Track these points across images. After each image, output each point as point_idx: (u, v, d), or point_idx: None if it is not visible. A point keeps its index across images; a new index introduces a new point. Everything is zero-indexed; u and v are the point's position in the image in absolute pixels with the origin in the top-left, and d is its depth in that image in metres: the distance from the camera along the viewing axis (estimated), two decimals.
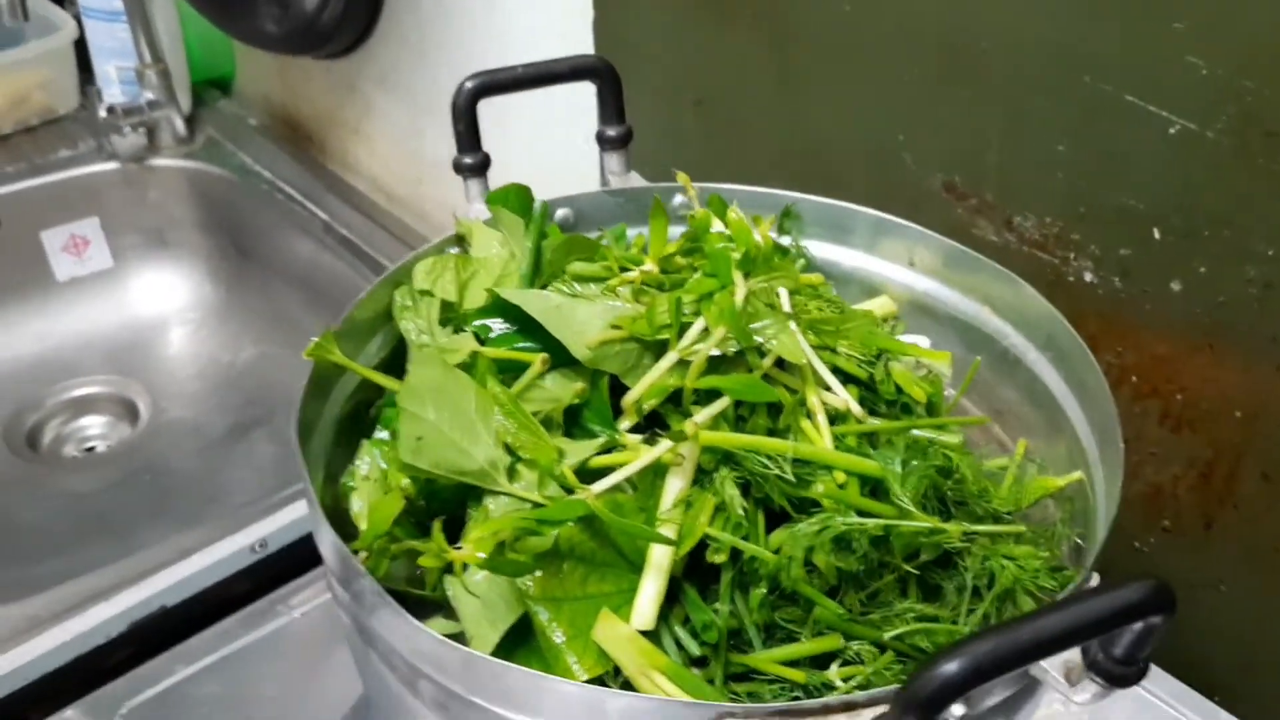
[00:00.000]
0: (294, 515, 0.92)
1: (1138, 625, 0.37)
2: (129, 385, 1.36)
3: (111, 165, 1.39)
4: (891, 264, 0.67)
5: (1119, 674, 0.39)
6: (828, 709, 0.40)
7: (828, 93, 0.81)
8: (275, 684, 0.67)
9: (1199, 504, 0.73)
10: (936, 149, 0.76)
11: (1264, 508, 0.69)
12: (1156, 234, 0.68)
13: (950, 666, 0.34)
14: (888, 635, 0.48)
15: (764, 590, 0.47)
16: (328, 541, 0.47)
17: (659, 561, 0.47)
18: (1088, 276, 0.72)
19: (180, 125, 1.40)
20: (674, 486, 0.48)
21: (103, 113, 1.34)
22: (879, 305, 0.64)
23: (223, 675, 0.67)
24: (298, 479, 0.98)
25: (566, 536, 0.47)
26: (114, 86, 1.38)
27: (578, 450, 0.48)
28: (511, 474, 0.48)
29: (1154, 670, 0.71)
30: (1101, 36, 0.65)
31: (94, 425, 1.33)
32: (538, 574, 0.47)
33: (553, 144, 1.03)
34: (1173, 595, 0.37)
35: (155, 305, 1.43)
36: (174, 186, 1.42)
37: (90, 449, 1.30)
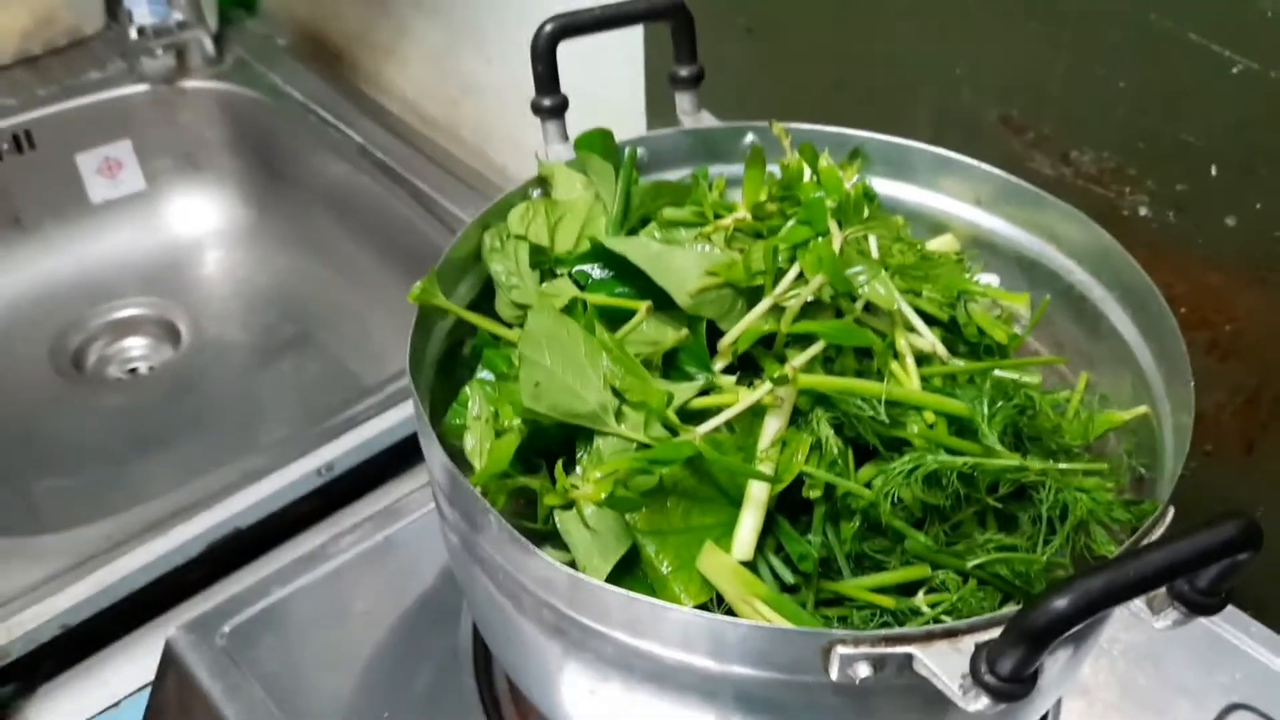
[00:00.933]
0: (357, 440, 0.96)
1: (1224, 560, 0.40)
2: (168, 307, 1.38)
3: (141, 87, 1.39)
4: (956, 200, 0.69)
5: (1202, 604, 0.42)
6: (931, 635, 0.43)
7: (886, 22, 0.82)
8: (367, 605, 0.71)
9: (1241, 429, 0.76)
10: (996, 81, 0.78)
11: None
12: (1214, 170, 0.69)
13: (1062, 601, 0.37)
14: (970, 564, 0.51)
15: (856, 524, 0.50)
16: (450, 479, 0.49)
17: (757, 496, 0.50)
18: (1142, 211, 0.74)
19: (209, 46, 1.39)
20: (772, 426, 0.51)
21: (133, 34, 1.34)
22: (944, 244, 0.66)
23: (317, 596, 0.71)
24: (352, 401, 1.03)
25: (670, 474, 0.50)
26: (142, 6, 1.37)
27: (680, 392, 0.51)
28: (619, 416, 0.50)
29: None
30: None
31: (136, 347, 1.36)
32: (643, 509, 0.50)
33: (595, 80, 1.04)
34: (1260, 532, 0.40)
35: (189, 227, 1.45)
36: (204, 108, 1.42)
37: (133, 370, 1.32)
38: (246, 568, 0.93)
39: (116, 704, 0.84)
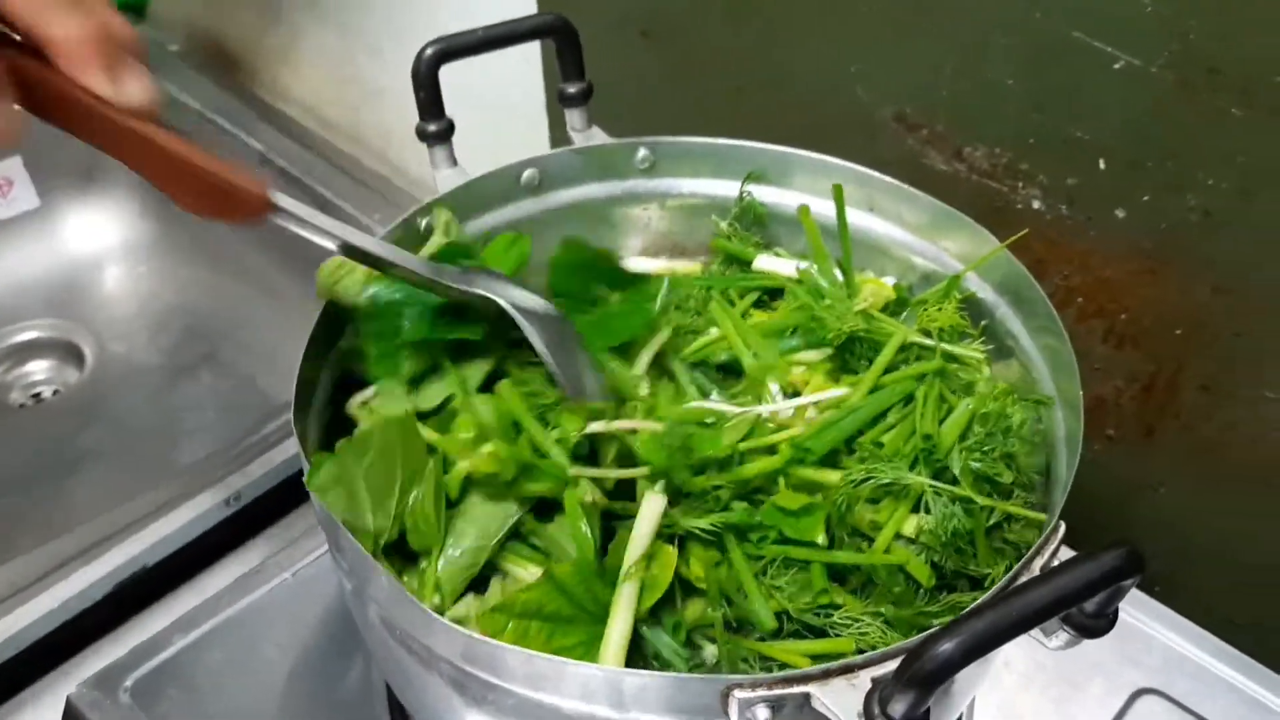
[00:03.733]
0: (264, 467, 0.93)
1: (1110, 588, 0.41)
2: (70, 327, 1.34)
3: None
4: (850, 208, 0.69)
5: (1091, 627, 0.43)
6: (828, 674, 0.43)
7: (780, 23, 0.81)
8: (275, 647, 0.69)
9: (1140, 414, 0.77)
10: (889, 81, 0.77)
11: (1202, 416, 0.74)
12: (1102, 164, 0.70)
13: (949, 645, 0.37)
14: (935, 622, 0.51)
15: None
16: (344, 543, 0.48)
17: (622, 626, 0.50)
18: (1035, 204, 0.74)
19: None
20: (640, 540, 0.51)
21: None
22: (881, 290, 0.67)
23: (222, 641, 0.69)
24: (260, 424, 1.01)
25: (533, 600, 0.49)
26: None
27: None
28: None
29: None
30: None
31: (39, 370, 1.31)
32: (506, 635, 0.49)
33: (495, 93, 1.02)
34: (1143, 560, 0.40)
35: (88, 244, 1.40)
36: None
37: (38, 395, 1.28)
38: (154, 605, 0.90)
39: None
